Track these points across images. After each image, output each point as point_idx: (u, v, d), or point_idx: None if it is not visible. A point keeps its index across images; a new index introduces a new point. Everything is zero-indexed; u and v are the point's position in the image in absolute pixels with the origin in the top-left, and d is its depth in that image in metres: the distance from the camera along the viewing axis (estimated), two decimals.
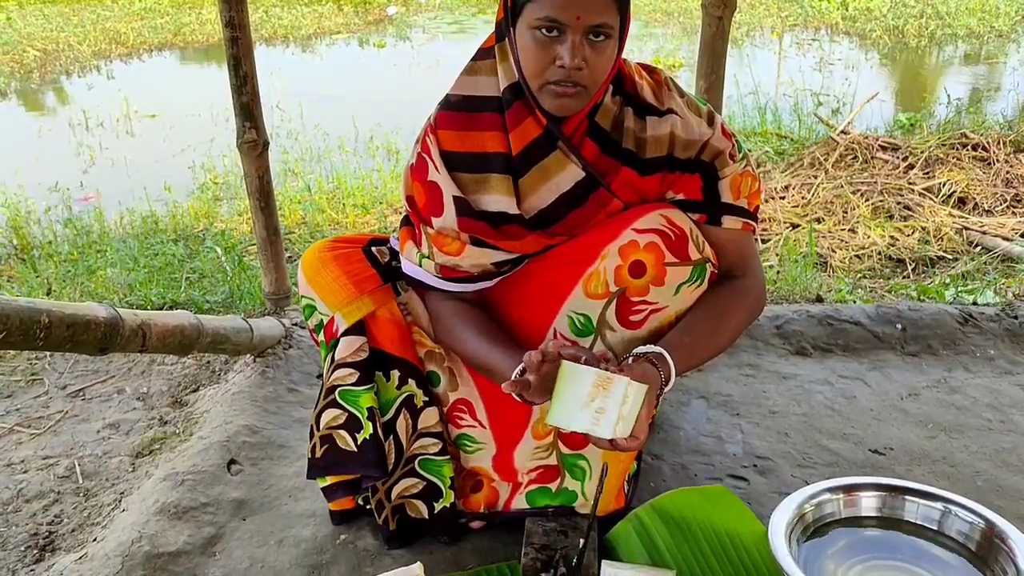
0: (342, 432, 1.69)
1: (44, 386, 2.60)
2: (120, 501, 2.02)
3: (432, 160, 1.63)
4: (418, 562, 1.60)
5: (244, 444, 2.14)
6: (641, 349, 1.58)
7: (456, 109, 1.63)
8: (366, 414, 1.68)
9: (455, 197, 1.61)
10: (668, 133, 1.60)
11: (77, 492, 2.09)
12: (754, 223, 1.70)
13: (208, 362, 2.63)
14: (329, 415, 1.70)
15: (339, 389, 1.69)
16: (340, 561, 1.76)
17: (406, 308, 1.77)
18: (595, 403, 1.39)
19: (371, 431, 1.68)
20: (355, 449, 1.68)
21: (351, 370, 1.69)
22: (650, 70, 1.67)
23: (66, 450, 2.26)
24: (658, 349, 1.56)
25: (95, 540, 1.88)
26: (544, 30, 1.46)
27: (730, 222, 1.67)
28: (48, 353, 2.75)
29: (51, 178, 5.36)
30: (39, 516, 2.00)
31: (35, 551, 1.88)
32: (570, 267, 1.66)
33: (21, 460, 2.22)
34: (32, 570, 1.82)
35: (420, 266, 1.69)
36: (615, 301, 1.63)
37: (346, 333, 1.70)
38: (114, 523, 1.92)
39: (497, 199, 1.61)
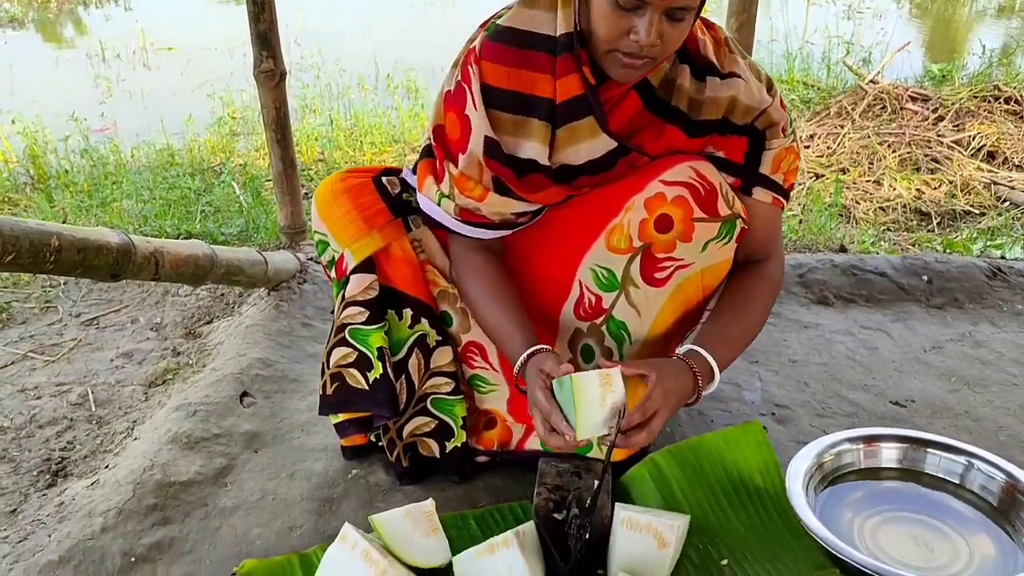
0: (352, 371, 1.67)
1: (58, 314, 2.59)
2: (132, 430, 2.02)
3: (471, 92, 1.51)
4: (430, 499, 1.58)
5: (257, 377, 2.13)
6: (680, 349, 1.54)
7: (506, 42, 1.50)
8: (376, 353, 1.65)
9: (486, 137, 1.51)
10: (730, 97, 1.51)
11: (90, 419, 2.09)
12: (784, 201, 1.63)
13: (222, 295, 2.61)
14: (339, 353, 1.67)
15: (349, 327, 1.66)
16: (351, 496, 1.75)
17: (419, 245, 1.71)
18: (606, 401, 1.41)
19: (381, 370, 1.65)
20: (366, 387, 1.66)
21: (361, 308, 1.65)
22: (708, 25, 1.56)
23: (79, 378, 2.25)
24: (689, 346, 1.53)
25: (107, 467, 1.88)
26: (623, 2, 1.34)
27: (760, 194, 1.59)
28: (62, 281, 2.74)
29: (68, 109, 5.32)
30: (52, 442, 2.00)
31: (48, 476, 1.89)
32: (592, 217, 1.60)
33: (35, 386, 2.21)
34: (44, 495, 1.82)
35: (439, 205, 1.62)
36: (639, 256, 1.58)
37: (356, 270, 1.66)
38: (126, 451, 1.92)
39: (532, 146, 1.52)
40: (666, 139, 1.55)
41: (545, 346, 1.54)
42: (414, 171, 1.69)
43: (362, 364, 1.66)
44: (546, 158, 1.52)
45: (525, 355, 1.52)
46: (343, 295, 1.67)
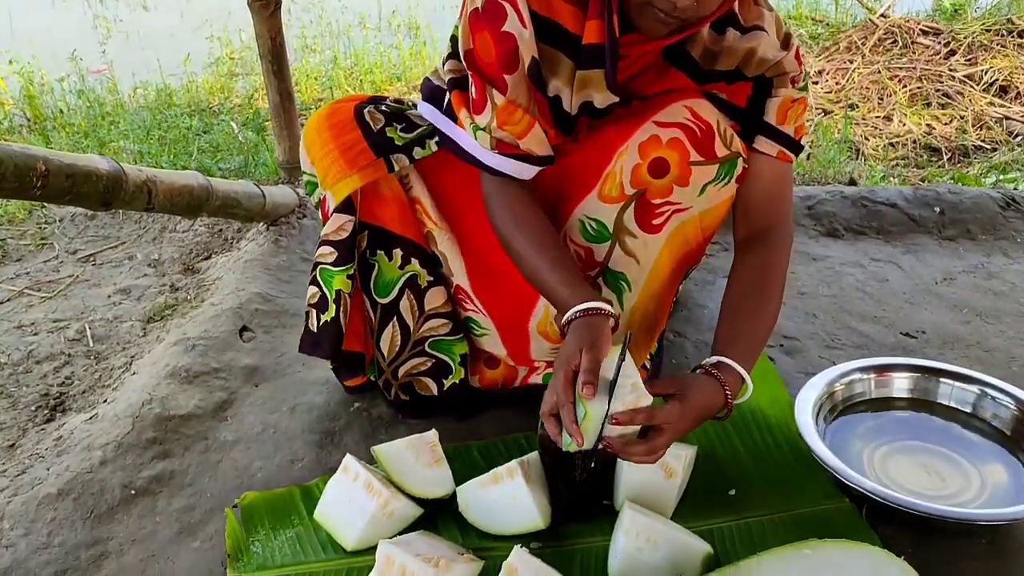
0: (313, 312, 1.65)
1: (54, 251, 2.55)
2: (130, 364, 1.99)
3: (519, 11, 1.36)
4: (433, 429, 1.56)
5: (256, 312, 2.09)
6: (707, 361, 1.40)
7: None
8: (333, 295, 1.61)
9: (534, 59, 1.40)
10: (748, 48, 1.42)
11: (88, 355, 2.06)
12: (791, 154, 1.51)
13: (220, 230, 2.57)
14: (309, 292, 1.65)
15: (320, 267, 1.62)
16: (353, 428, 1.73)
17: (408, 182, 1.63)
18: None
19: (333, 314, 1.61)
20: (315, 330, 1.65)
21: (331, 249, 1.60)
22: None
23: (76, 314, 2.22)
24: (716, 358, 1.38)
25: (105, 401, 1.85)
26: None
27: (763, 144, 1.50)
28: (58, 218, 2.71)
29: (65, 50, 5.23)
30: (50, 377, 1.97)
31: (46, 411, 1.86)
32: (586, 167, 1.52)
33: (31, 322, 2.18)
34: (43, 429, 1.80)
35: (475, 139, 1.46)
36: (633, 204, 1.50)
37: (337, 211, 1.60)
38: (125, 386, 1.89)
39: (557, 85, 1.43)
40: (668, 82, 1.47)
41: (602, 306, 1.35)
42: (438, 104, 1.54)
43: (321, 306, 1.63)
44: (569, 101, 1.44)
45: (576, 310, 1.35)
46: (321, 234, 1.64)
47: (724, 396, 1.36)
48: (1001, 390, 1.64)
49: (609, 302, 1.40)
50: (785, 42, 1.46)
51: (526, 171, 1.47)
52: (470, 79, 1.43)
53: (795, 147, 1.52)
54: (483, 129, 1.43)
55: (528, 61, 1.39)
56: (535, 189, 1.52)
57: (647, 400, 1.30)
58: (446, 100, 1.50)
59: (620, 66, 1.41)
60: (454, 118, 1.48)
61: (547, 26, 1.38)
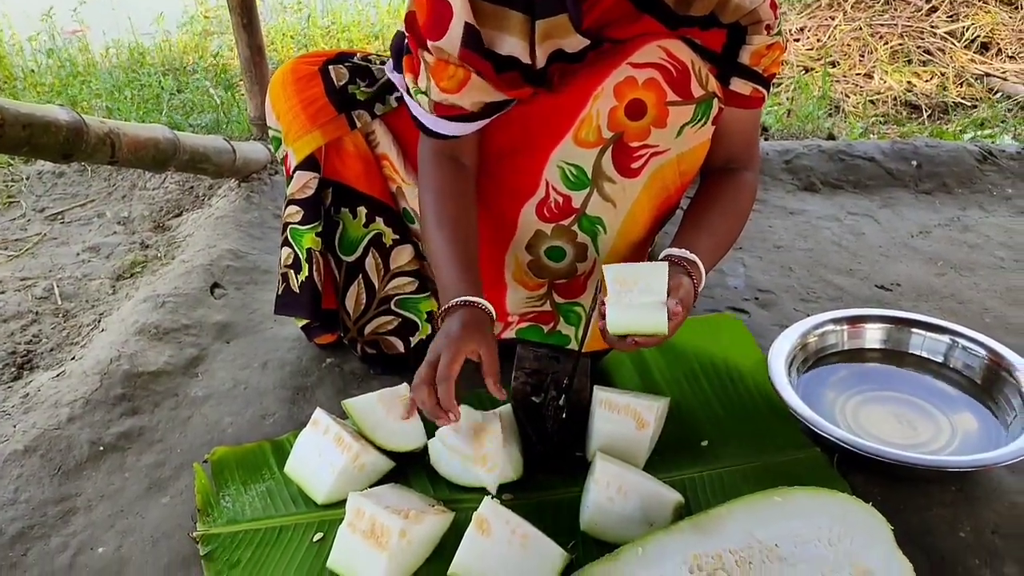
0: (291, 272, 1.65)
1: (21, 209, 2.51)
2: (99, 322, 1.97)
3: None
4: (404, 383, 1.54)
5: (228, 268, 2.07)
6: (675, 252, 1.41)
7: None
8: (305, 255, 1.62)
9: (467, 24, 1.36)
10: None
11: (56, 313, 2.03)
12: (764, 91, 1.50)
13: (191, 187, 2.53)
14: (284, 253, 1.65)
15: (290, 227, 1.63)
16: (326, 383, 1.71)
17: (374, 138, 1.62)
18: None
19: (307, 273, 1.62)
20: (296, 291, 1.64)
21: (298, 208, 1.61)
22: None
23: (44, 272, 2.19)
24: (692, 257, 1.40)
25: (73, 359, 1.83)
26: None
27: (739, 85, 1.47)
28: (25, 176, 2.66)
29: (37, 10, 5.12)
30: (17, 335, 1.95)
31: (13, 369, 1.84)
32: (561, 111, 1.48)
33: None
34: (10, 387, 1.77)
35: (416, 102, 1.47)
36: (611, 148, 1.48)
37: (299, 168, 1.60)
38: (93, 343, 1.87)
39: (512, 43, 1.40)
40: (640, 27, 1.42)
41: (485, 304, 1.39)
42: (396, 68, 1.55)
43: (296, 266, 1.64)
44: (527, 55, 1.40)
45: (458, 301, 1.38)
46: (286, 193, 1.63)
47: (694, 286, 1.39)
48: (972, 339, 1.64)
49: (489, 302, 1.40)
50: None
51: (466, 128, 1.47)
52: (407, 42, 1.44)
53: (765, 85, 1.51)
54: (423, 92, 1.43)
55: (462, 28, 1.36)
56: (474, 163, 1.54)
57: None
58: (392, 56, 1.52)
59: (583, 8, 1.38)
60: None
61: None
